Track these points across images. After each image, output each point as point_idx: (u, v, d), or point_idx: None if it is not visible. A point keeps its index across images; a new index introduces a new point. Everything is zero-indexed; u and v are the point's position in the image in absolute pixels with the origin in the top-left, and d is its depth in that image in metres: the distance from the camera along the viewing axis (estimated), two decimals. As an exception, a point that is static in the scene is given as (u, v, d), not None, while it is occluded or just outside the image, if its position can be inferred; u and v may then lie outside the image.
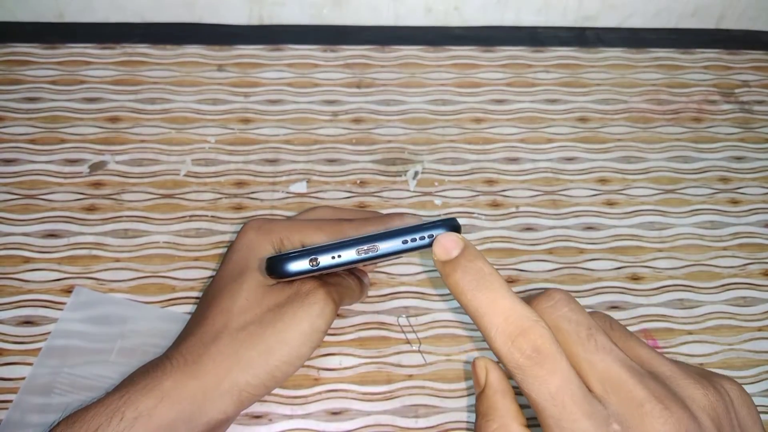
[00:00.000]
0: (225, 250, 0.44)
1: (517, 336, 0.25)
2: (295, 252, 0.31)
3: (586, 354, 0.26)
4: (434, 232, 0.30)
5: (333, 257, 0.30)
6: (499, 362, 0.26)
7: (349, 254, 0.31)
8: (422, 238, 0.30)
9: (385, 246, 0.30)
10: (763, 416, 0.39)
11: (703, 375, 0.27)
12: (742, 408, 0.27)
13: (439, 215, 0.33)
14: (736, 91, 0.57)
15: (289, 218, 0.39)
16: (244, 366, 0.32)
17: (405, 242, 0.30)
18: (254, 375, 0.32)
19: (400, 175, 0.49)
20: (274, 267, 0.31)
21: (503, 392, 0.27)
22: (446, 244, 0.28)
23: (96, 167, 0.48)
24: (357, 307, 0.43)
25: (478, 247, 0.46)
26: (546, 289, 0.28)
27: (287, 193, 0.48)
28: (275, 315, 0.33)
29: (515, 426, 0.26)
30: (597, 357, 0.26)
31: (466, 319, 0.42)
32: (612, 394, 0.25)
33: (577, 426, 0.24)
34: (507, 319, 0.26)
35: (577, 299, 0.43)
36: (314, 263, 0.31)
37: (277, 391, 0.39)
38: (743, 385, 0.27)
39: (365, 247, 0.30)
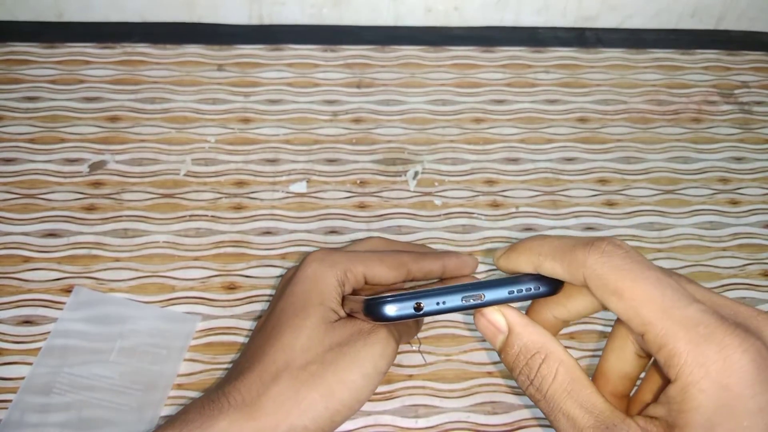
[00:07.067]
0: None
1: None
2: (398, 295, 0.30)
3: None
4: (540, 284, 0.29)
5: (438, 303, 0.29)
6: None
7: (453, 301, 0.29)
8: (528, 289, 0.29)
9: (491, 295, 0.29)
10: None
11: None
12: None
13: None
14: (736, 91, 0.57)
15: (344, 249, 0.38)
16: (304, 409, 0.31)
17: (511, 292, 0.29)
18: (313, 419, 0.31)
19: (400, 175, 0.49)
20: (377, 309, 0.30)
21: (533, 325, 0.27)
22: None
23: (96, 167, 0.48)
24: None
25: (478, 248, 0.46)
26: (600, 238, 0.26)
27: (287, 192, 0.48)
28: (337, 355, 0.32)
29: (561, 350, 0.26)
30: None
31: (467, 319, 0.42)
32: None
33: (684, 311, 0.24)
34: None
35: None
36: (418, 308, 0.29)
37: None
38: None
39: (471, 294, 0.29)
